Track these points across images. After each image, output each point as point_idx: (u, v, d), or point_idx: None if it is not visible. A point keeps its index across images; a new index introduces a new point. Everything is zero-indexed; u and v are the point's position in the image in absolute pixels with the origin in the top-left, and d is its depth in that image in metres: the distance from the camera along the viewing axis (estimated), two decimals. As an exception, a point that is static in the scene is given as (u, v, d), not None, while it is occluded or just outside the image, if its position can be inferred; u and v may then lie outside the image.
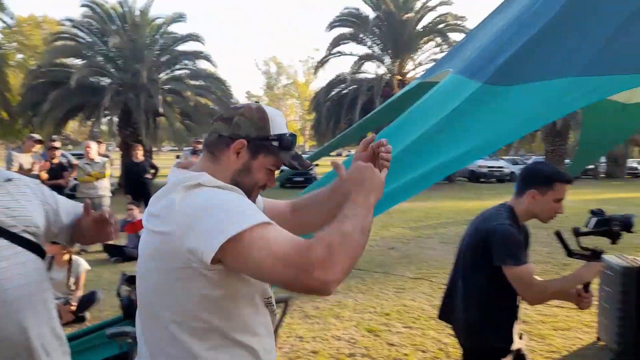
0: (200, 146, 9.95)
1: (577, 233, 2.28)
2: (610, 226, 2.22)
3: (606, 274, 4.38)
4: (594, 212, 2.33)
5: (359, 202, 1.27)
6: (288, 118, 68.04)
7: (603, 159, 32.49)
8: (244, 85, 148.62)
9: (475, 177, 27.55)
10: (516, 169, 28.85)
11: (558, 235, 2.28)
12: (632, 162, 34.19)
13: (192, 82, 23.53)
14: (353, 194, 1.29)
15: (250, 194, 1.43)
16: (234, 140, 1.40)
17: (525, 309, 5.25)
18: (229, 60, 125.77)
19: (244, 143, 1.40)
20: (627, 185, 25.57)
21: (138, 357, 1.43)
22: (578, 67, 2.21)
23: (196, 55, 24.15)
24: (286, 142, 1.44)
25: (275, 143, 1.43)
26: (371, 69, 53.71)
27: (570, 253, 2.26)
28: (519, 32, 2.74)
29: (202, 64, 24.60)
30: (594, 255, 2.20)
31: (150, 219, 1.35)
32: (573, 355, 4.28)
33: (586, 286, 2.22)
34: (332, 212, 1.34)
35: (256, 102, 1.55)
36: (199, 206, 1.27)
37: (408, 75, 26.40)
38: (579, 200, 17.35)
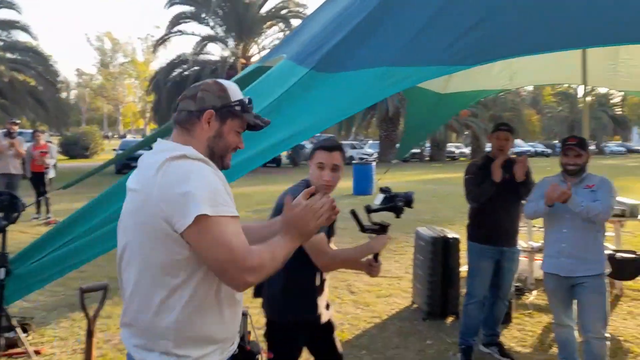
0: (16, 128, 8.86)
1: (368, 210, 2.39)
2: (395, 202, 2.37)
3: (419, 243, 4.93)
4: (382, 190, 2.45)
5: (287, 240, 1.52)
6: (127, 99, 63.55)
7: (428, 144, 36.35)
8: (74, 62, 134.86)
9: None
10: (355, 152, 30.80)
11: (353, 213, 2.35)
12: (450, 147, 38.72)
13: (7, 56, 20.67)
14: (285, 233, 1.53)
15: (224, 157, 1.63)
16: (202, 113, 1.56)
17: (355, 281, 5.72)
18: (56, 33, 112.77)
19: (212, 112, 1.57)
20: (447, 167, 29.00)
21: (122, 298, 1.58)
22: (390, 58, 2.43)
23: (10, 25, 21.27)
24: (246, 105, 1.63)
25: (237, 107, 1.61)
26: (216, 51, 52.54)
27: (363, 228, 2.37)
28: (345, 22, 2.92)
29: (20, 36, 21.77)
30: (382, 228, 2.36)
31: (134, 178, 1.53)
32: (392, 317, 4.75)
33: (375, 256, 2.37)
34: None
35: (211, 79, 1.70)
36: (181, 177, 1.40)
37: (252, 59, 26.42)
38: (408, 180, 19.26)
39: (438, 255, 4.65)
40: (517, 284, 5.22)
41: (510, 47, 2.46)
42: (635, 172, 25.48)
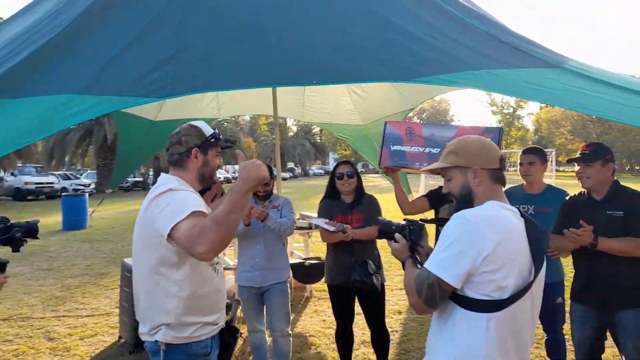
0: None
1: None
2: (11, 233, 2.19)
3: (125, 275, 4.65)
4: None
5: (234, 191, 1.83)
6: None
7: (151, 172, 35.46)
8: None
9: (22, 195, 25.08)
10: (68, 183, 27.89)
11: None
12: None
13: None
14: (235, 186, 1.85)
15: (212, 176, 2.28)
16: (190, 151, 2.17)
17: (55, 326, 5.17)
18: None
19: (197, 149, 2.18)
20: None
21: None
22: (79, 85, 2.35)
23: None
24: (216, 135, 2.25)
25: (212, 140, 2.23)
26: None
27: None
28: (26, 43, 2.70)
29: None
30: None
31: (145, 202, 2.08)
32: (95, 358, 4.46)
33: None
34: None
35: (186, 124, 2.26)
36: (165, 203, 1.96)
37: None
38: (125, 210, 18.37)
39: (129, 282, 4.25)
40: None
41: (201, 82, 2.63)
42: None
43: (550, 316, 3.43)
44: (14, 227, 2.18)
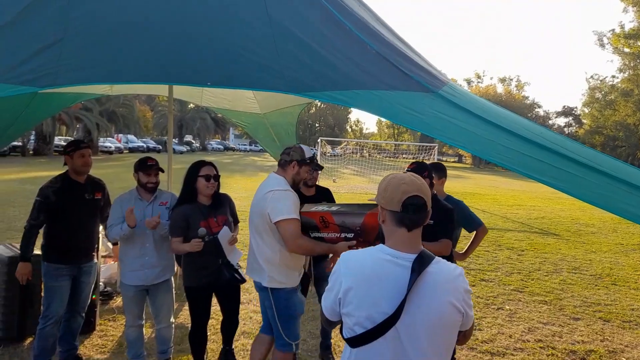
0: None
1: None
2: None
3: None
4: None
5: (325, 246, 3.19)
6: None
7: (32, 136, 32.50)
8: None
9: None
10: None
11: None
12: (59, 140, 35.41)
13: None
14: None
15: (299, 184, 3.44)
16: (291, 162, 3.33)
17: None
18: None
19: (296, 163, 3.33)
20: (54, 162, 26.63)
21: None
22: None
23: None
24: (311, 159, 3.39)
25: (307, 160, 3.37)
26: None
27: None
28: None
29: None
30: None
31: (262, 192, 3.23)
32: None
33: None
34: None
35: (297, 144, 3.43)
36: (274, 200, 3.13)
37: None
38: (5, 180, 16.83)
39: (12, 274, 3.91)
40: (105, 290, 5.37)
41: (84, 74, 2.53)
42: (229, 168, 29.52)
43: None
44: None
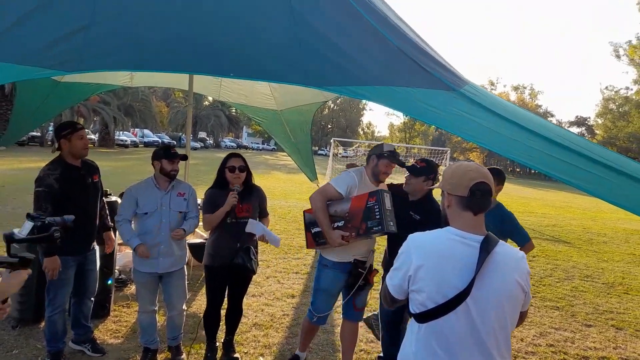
0: None
1: (9, 240, 1.96)
2: (50, 232, 2.03)
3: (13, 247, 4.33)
4: (30, 216, 2.06)
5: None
6: None
7: (51, 127, 32.89)
8: None
9: None
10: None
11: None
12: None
13: None
14: None
15: (379, 176, 3.57)
16: (371, 156, 3.62)
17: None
18: None
19: (375, 156, 3.58)
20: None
21: None
22: None
23: None
24: (390, 154, 3.53)
25: (386, 154, 3.52)
26: None
27: None
28: None
29: None
30: (22, 262, 1.92)
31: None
32: None
33: (4, 301, 1.87)
34: None
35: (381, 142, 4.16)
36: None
37: None
38: (22, 168, 17.06)
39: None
40: (120, 277, 5.42)
41: (113, 59, 2.57)
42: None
43: None
44: (53, 226, 2.02)
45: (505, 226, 3.81)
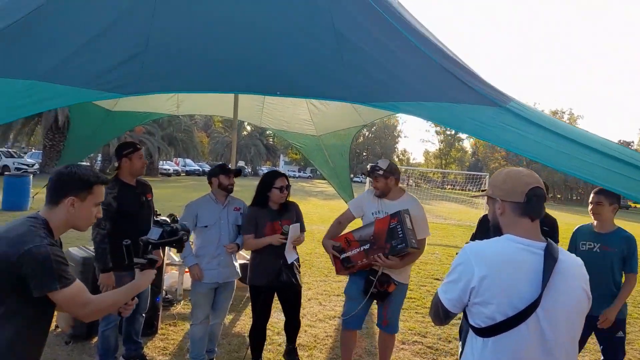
0: None
1: (146, 244, 2.23)
2: (179, 236, 2.31)
3: (70, 265, 4.49)
4: (159, 223, 2.31)
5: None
6: None
7: (99, 158, 34.24)
8: None
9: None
10: (11, 162, 26.89)
11: (126, 246, 2.19)
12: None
13: None
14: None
15: (375, 190, 3.77)
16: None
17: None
18: None
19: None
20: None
21: None
22: (40, 71, 2.34)
23: None
24: (367, 171, 3.74)
25: (367, 172, 3.74)
26: None
27: (131, 263, 2.19)
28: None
29: None
30: (150, 263, 2.19)
31: None
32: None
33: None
34: None
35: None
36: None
37: None
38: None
39: (88, 274, 4.23)
40: (166, 297, 5.54)
41: (165, 83, 2.68)
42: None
43: (611, 351, 3.63)
44: (180, 230, 2.29)
45: (630, 250, 3.59)
